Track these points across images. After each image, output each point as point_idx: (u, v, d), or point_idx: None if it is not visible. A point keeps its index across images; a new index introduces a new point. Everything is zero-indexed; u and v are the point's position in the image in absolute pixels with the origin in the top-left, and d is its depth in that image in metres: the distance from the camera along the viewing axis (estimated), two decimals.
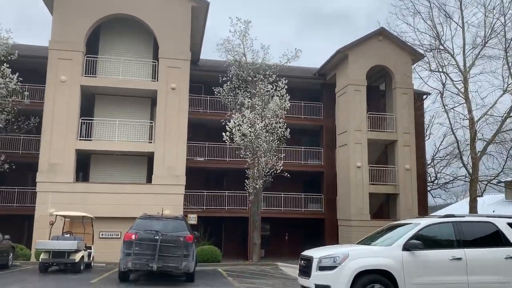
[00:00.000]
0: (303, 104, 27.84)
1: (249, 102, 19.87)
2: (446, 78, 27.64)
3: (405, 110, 25.13)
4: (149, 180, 21.85)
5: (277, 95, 19.87)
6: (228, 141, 19.23)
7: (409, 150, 24.91)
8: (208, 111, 26.84)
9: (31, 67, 22.98)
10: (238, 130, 19.01)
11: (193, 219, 22.42)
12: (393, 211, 25.47)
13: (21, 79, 20.59)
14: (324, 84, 28.48)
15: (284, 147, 23.84)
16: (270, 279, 14.31)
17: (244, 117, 18.99)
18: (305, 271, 8.36)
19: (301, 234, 28.94)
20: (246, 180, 20.67)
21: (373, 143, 24.96)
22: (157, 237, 11.55)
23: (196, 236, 13.67)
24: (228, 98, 21.57)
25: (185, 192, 22.94)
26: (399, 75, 25.28)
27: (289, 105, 20.09)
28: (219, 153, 26.48)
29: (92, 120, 22.01)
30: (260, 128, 18.68)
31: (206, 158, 26.34)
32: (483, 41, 27.13)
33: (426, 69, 28.83)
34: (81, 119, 21.44)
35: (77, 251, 13.96)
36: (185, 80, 22.09)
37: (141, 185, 21.58)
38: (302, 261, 8.69)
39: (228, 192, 26.18)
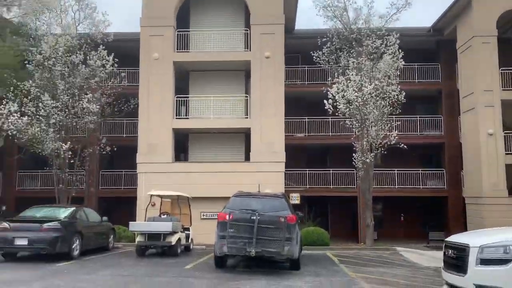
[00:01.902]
0: (416, 66, 24.13)
1: (354, 62, 17.16)
2: None
3: None
4: (247, 158, 20.49)
5: (387, 53, 16.88)
6: (331, 109, 16.84)
7: None
8: (306, 82, 24.68)
9: (127, 52, 22.81)
10: (342, 96, 16.50)
11: (295, 198, 20.62)
12: None
13: (116, 60, 20.39)
14: (441, 41, 24.36)
15: (396, 116, 20.71)
16: (392, 268, 11.86)
17: (349, 81, 16.38)
18: (456, 264, 5.89)
19: (418, 215, 25.60)
20: (353, 155, 18.15)
21: (507, 105, 20.54)
22: (254, 218, 9.84)
23: (299, 216, 11.76)
24: (329, 62, 18.97)
25: (285, 170, 21.26)
26: None
27: (402, 62, 16.95)
28: (320, 128, 24.29)
29: (187, 97, 21.20)
30: (369, 91, 15.93)
31: (306, 134, 24.31)
32: None
33: None
34: (176, 97, 20.74)
35: (173, 233, 12.95)
36: (279, 47, 20.13)
37: (239, 163, 20.32)
38: (450, 250, 6.20)
39: (332, 170, 23.90)
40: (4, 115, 16.86)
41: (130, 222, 13.42)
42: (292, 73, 24.85)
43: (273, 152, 19.66)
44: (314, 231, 16.34)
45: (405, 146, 17.87)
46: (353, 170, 23.37)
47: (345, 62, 17.94)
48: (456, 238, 6.28)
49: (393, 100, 17.04)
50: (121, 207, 22.87)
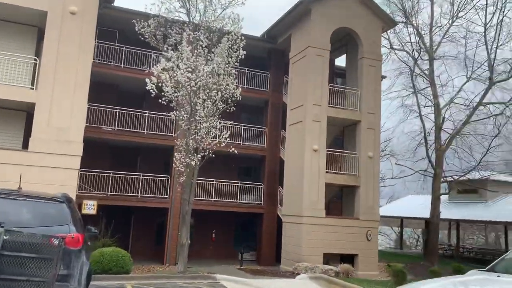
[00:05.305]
0: (246, 71, 22.22)
1: (190, 35, 13.60)
2: (418, 56, 24.12)
3: (371, 86, 20.70)
4: (26, 145, 14.67)
5: (227, 37, 13.95)
6: (154, 91, 12.83)
7: (374, 134, 20.53)
8: (122, 65, 20.14)
9: None
10: (170, 77, 12.71)
11: (91, 207, 15.78)
12: (348, 207, 20.96)
13: None
14: (273, 49, 23.18)
15: (223, 121, 17.96)
16: None
17: (181, 59, 12.74)
18: None
19: (231, 232, 23.43)
20: (175, 154, 14.46)
21: (330, 123, 20.14)
22: None
23: (91, 234, 7.39)
24: (155, 37, 14.91)
25: (82, 170, 16.32)
26: (368, 43, 20.78)
27: (244, 52, 14.25)
28: (134, 123, 20.00)
29: None
30: (206, 74, 12.58)
31: (116, 128, 19.64)
32: (450, 19, 24.02)
33: (386, 47, 25.20)
34: None
35: None
36: (91, 5, 15.24)
37: (13, 151, 14.31)
38: None
39: (143, 175, 19.79)
40: None
41: None
42: (105, 50, 20.07)
43: (67, 142, 14.49)
44: (112, 253, 11.84)
45: (235, 151, 15.14)
46: (167, 177, 19.89)
47: (177, 38, 14.24)
48: None
49: (229, 95, 14.13)
50: None
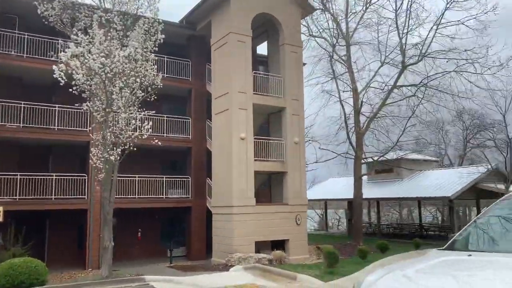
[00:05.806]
0: (166, 59, 21.17)
1: (102, 17, 12.34)
2: (336, 42, 24.63)
3: (293, 72, 20.76)
4: None
5: (143, 20, 12.94)
6: (63, 80, 11.48)
7: (298, 120, 20.64)
8: (25, 55, 18.17)
9: None
10: (81, 64, 11.45)
11: None
12: (277, 193, 20.96)
13: None
14: (193, 36, 22.35)
15: (144, 112, 16.84)
16: None
17: (92, 44, 11.51)
18: None
19: (158, 229, 22.44)
20: (92, 150, 13.18)
21: (256, 110, 19.88)
22: None
23: None
24: (63, 22, 13.32)
25: None
26: (288, 30, 20.76)
27: (163, 36, 13.33)
28: (43, 118, 18.24)
29: None
30: (122, 59, 11.50)
31: (21, 125, 17.77)
32: (364, 6, 24.89)
33: (304, 34, 25.48)
34: None
35: None
36: None
37: None
38: None
39: (56, 175, 18.14)
40: None
41: None
42: (4, 38, 18.00)
43: None
44: (24, 264, 10.44)
45: (159, 143, 14.27)
46: (84, 176, 18.41)
47: (87, 22, 12.87)
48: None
49: (149, 83, 13.19)
50: None
